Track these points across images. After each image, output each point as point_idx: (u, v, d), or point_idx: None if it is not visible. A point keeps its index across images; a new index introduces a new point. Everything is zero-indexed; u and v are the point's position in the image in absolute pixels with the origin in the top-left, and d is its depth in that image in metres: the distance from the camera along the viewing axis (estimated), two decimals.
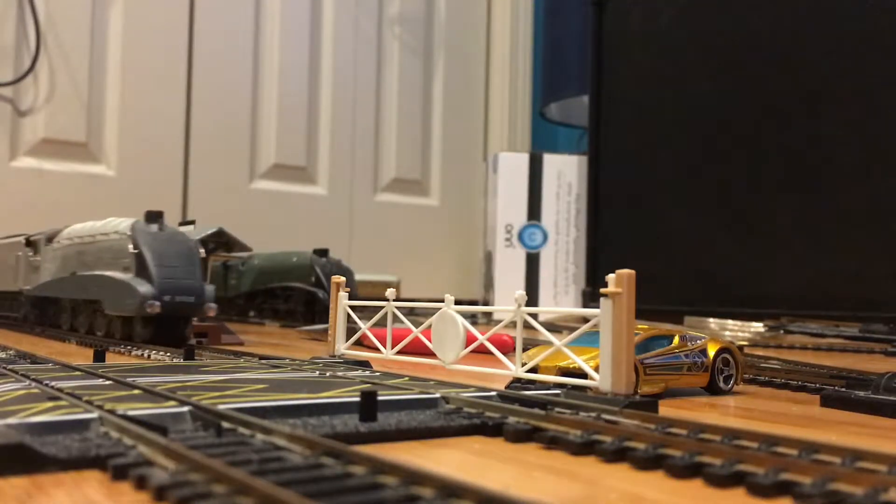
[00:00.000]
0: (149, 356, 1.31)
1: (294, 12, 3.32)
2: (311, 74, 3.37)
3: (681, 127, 2.72)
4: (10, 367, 0.93)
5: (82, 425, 0.60)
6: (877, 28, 2.30)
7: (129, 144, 2.93)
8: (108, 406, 0.64)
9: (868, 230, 2.27)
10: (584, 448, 0.62)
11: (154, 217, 1.57)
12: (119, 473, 0.51)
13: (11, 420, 0.59)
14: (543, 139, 4.01)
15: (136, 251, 1.49)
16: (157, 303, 1.42)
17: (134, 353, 1.36)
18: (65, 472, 0.52)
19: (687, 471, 0.55)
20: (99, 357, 1.09)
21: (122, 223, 1.57)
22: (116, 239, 1.56)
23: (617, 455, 0.60)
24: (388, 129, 3.60)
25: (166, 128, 3.01)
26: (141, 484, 0.48)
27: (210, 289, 1.53)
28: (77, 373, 0.89)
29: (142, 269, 1.47)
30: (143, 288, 1.43)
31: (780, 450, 0.58)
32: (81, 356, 1.30)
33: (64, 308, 1.76)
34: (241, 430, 0.60)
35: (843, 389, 0.97)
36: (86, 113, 2.86)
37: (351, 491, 0.44)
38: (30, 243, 1.98)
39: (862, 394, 0.92)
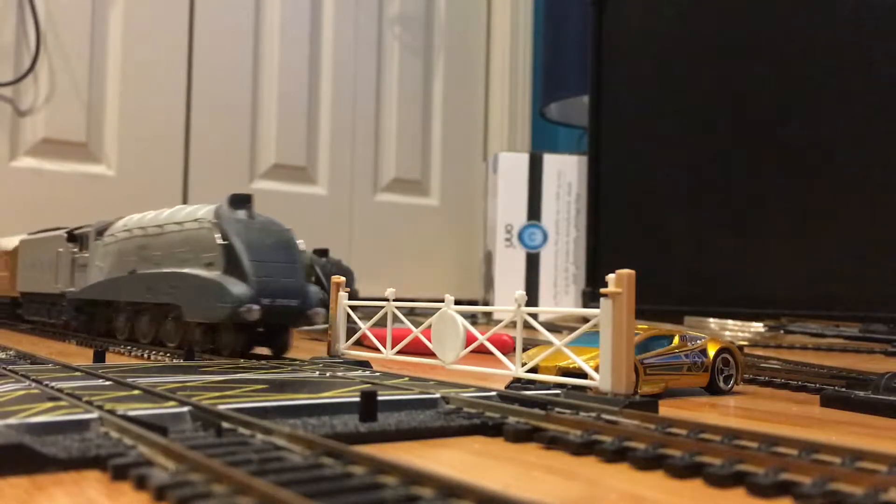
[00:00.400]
0: (149, 356, 1.31)
1: (294, 12, 3.32)
2: (311, 74, 3.37)
3: (681, 127, 2.72)
4: (10, 367, 0.93)
5: (82, 425, 0.60)
6: (878, 28, 2.30)
7: (129, 144, 2.93)
8: (108, 406, 0.65)
9: (868, 230, 2.27)
10: (584, 448, 0.62)
11: (241, 202, 1.28)
12: (119, 473, 0.51)
13: (11, 420, 0.59)
14: (543, 139, 4.00)
15: (224, 243, 1.21)
16: (257, 307, 1.15)
17: (134, 353, 1.36)
18: (65, 472, 0.53)
19: (687, 471, 0.55)
20: (99, 357, 1.09)
21: (201, 210, 1.31)
22: (195, 229, 1.28)
23: (617, 455, 0.60)
24: (388, 129, 3.60)
25: (166, 128, 3.01)
26: (141, 484, 0.48)
27: (315, 290, 1.25)
28: (77, 373, 0.89)
29: (233, 266, 1.19)
30: (238, 289, 1.16)
31: (780, 450, 0.58)
32: (81, 356, 1.30)
33: (120, 313, 1.51)
34: (241, 430, 0.60)
35: (843, 389, 0.97)
36: (86, 113, 2.86)
37: (351, 491, 0.44)
38: (74, 238, 1.73)
39: (862, 394, 0.92)
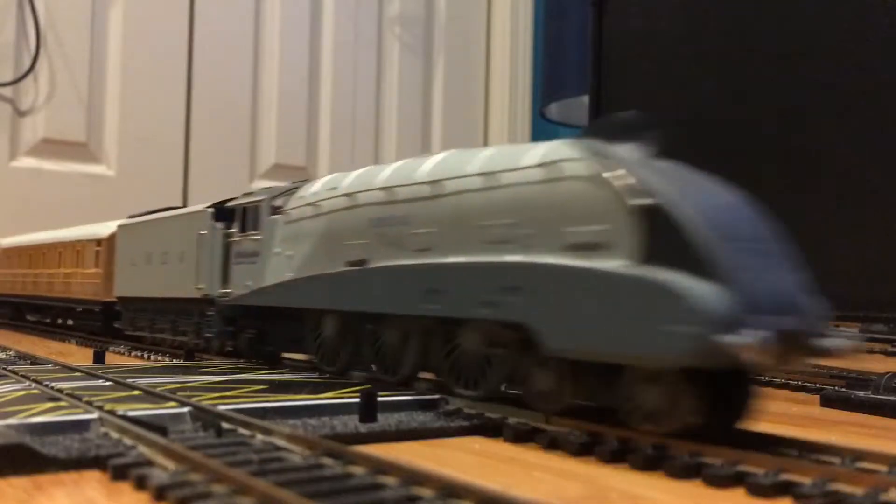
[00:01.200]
0: (149, 357, 1.31)
1: (294, 12, 3.32)
2: (311, 74, 3.37)
3: (681, 127, 2.71)
4: (10, 367, 0.93)
5: (82, 426, 0.60)
6: (880, 27, 2.30)
7: (129, 144, 2.93)
8: (108, 406, 0.65)
9: (868, 230, 2.27)
10: (584, 448, 0.62)
11: (627, 128, 0.77)
12: (119, 473, 0.51)
13: (12, 420, 0.59)
14: (543, 139, 4.00)
15: (648, 203, 0.65)
16: (763, 333, 0.56)
17: (134, 353, 1.36)
18: (65, 472, 0.52)
19: (687, 471, 0.55)
20: (99, 358, 1.09)
21: (540, 148, 0.79)
22: (541, 182, 0.74)
23: (617, 455, 0.60)
24: (388, 129, 3.60)
25: (166, 128, 3.01)
26: (141, 484, 0.48)
27: (813, 297, 0.71)
28: (77, 373, 0.89)
29: (670, 252, 0.62)
30: (708, 294, 0.58)
31: (781, 450, 0.58)
32: (81, 356, 1.30)
33: (331, 332, 0.98)
34: (241, 430, 0.60)
35: (843, 389, 0.97)
36: (86, 113, 2.86)
37: (351, 491, 0.44)
38: (227, 213, 1.20)
39: (862, 394, 0.92)
